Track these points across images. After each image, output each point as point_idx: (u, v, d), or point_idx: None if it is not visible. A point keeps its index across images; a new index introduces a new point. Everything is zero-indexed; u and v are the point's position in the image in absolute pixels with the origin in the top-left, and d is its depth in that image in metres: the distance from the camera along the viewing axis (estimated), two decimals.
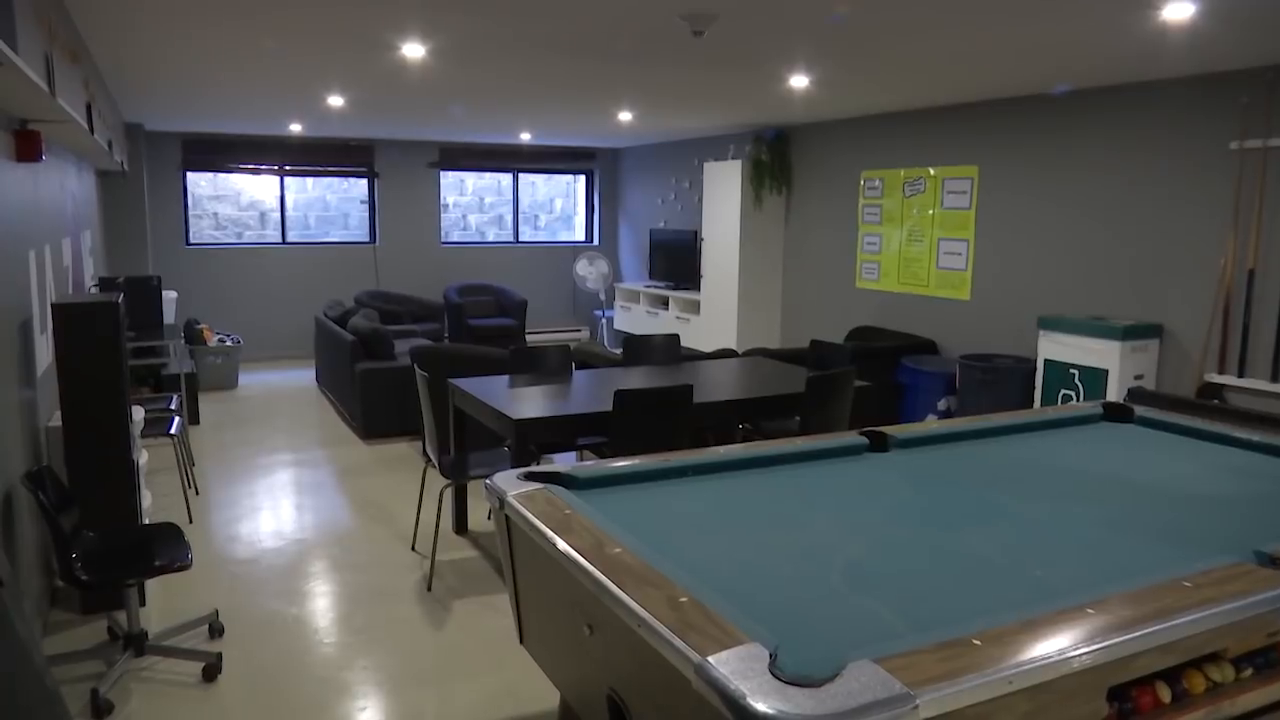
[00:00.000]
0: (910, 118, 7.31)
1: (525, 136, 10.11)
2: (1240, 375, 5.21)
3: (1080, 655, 1.70)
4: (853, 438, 3.20)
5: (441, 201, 11.17)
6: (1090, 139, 5.99)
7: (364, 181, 10.79)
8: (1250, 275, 5.13)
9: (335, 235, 10.83)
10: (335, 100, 6.95)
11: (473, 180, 11.52)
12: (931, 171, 7.17)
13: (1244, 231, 5.15)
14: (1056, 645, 1.71)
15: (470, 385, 4.78)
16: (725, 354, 6.19)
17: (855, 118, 7.83)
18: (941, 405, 6.45)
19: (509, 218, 11.73)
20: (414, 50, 4.76)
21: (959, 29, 4.18)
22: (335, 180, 10.72)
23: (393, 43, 4.60)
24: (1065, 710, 1.76)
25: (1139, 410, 3.78)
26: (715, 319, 9.15)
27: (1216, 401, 5.17)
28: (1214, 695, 2.19)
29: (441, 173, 11.09)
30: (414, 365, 5.09)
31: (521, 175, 11.67)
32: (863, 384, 4.94)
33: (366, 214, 10.88)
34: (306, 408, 8.01)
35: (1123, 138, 5.80)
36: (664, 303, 10.32)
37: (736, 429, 5.19)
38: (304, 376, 9.42)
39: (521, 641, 2.78)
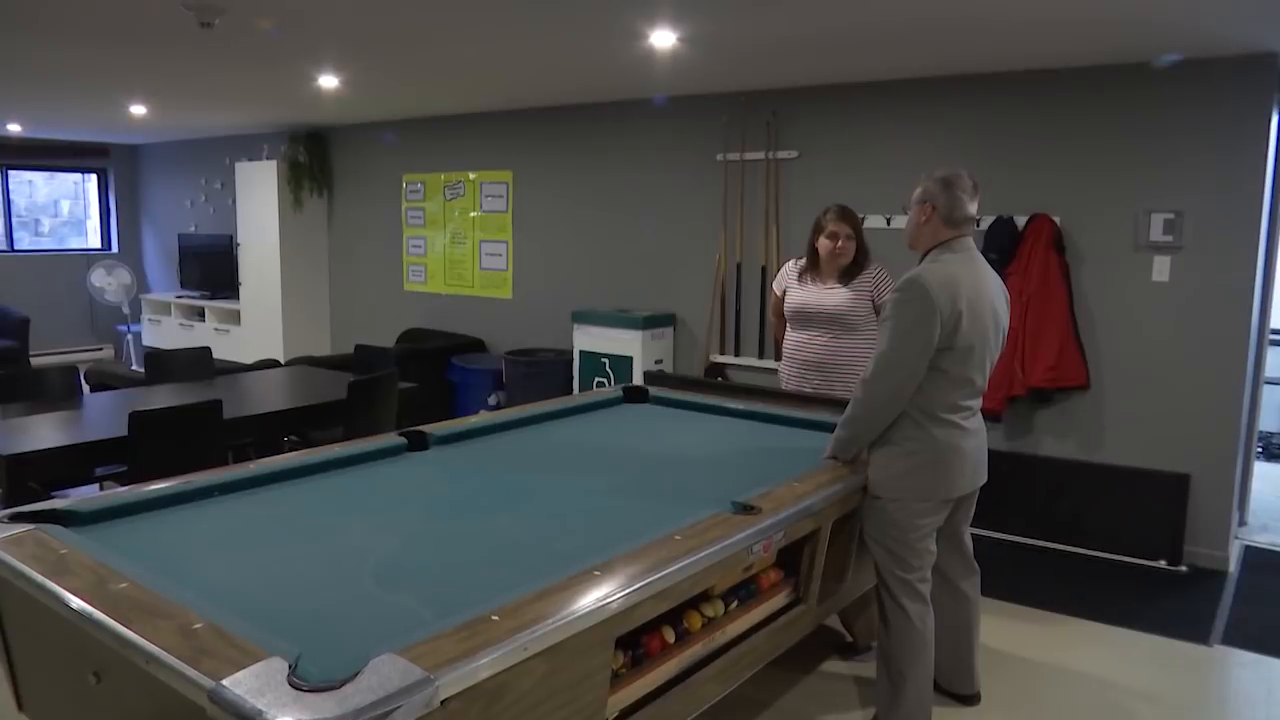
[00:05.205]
0: (449, 122, 7.46)
1: (14, 127, 8.73)
2: (737, 355, 6.06)
3: (585, 614, 1.88)
4: (391, 439, 3.22)
5: None
6: (610, 148, 6.57)
7: None
8: (738, 268, 5.98)
9: None
10: None
11: None
12: (471, 176, 7.40)
13: (731, 230, 5.99)
14: (565, 608, 1.88)
15: None
16: (268, 364, 5.88)
17: (395, 121, 7.82)
18: (492, 400, 6.70)
19: None
20: None
21: (474, 36, 4.37)
22: None
23: None
24: (580, 664, 1.94)
25: (653, 391, 4.24)
26: (259, 328, 8.63)
27: (720, 379, 5.97)
28: (709, 628, 2.55)
29: None
30: None
31: (13, 172, 10.06)
32: (408, 385, 4.98)
33: None
34: None
35: (636, 147, 6.44)
36: (200, 314, 9.52)
37: (282, 442, 4.96)
38: None
39: (21, 709, 2.44)
